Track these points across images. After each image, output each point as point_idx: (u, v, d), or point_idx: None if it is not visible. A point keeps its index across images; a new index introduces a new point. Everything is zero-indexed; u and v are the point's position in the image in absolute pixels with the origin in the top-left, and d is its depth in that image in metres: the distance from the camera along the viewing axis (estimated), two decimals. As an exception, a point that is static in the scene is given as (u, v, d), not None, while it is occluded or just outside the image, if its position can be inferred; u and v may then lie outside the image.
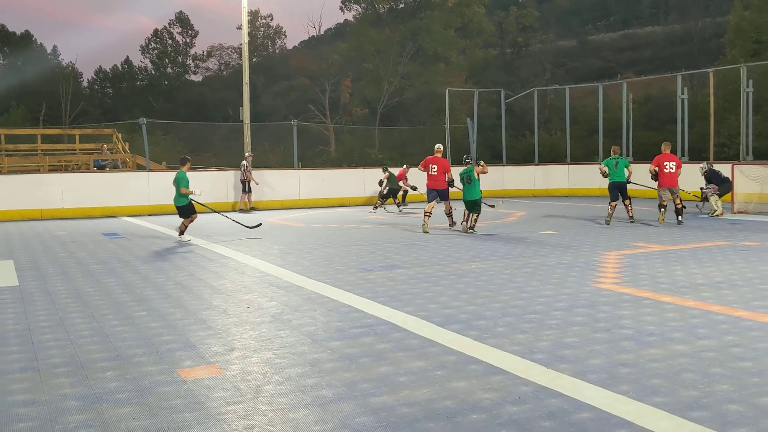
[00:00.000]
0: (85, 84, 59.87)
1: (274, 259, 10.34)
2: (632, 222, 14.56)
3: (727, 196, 16.31)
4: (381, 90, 41.20)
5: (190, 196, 12.61)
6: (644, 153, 24.37)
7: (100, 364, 5.18)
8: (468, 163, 13.56)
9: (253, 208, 20.23)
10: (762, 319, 6.12)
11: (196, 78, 64.68)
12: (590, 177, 24.32)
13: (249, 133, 24.34)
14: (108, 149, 25.65)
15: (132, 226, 16.20)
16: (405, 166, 20.48)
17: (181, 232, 12.82)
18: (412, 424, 3.89)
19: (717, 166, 16.49)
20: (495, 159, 27.41)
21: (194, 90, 59.02)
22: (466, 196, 13.30)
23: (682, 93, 21.73)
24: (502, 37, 48.89)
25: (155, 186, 19.53)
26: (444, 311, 6.68)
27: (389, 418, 3.98)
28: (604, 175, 14.63)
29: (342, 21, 70.72)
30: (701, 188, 16.47)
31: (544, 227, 14.20)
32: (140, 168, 23.63)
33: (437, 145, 14.40)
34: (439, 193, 13.99)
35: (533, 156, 26.49)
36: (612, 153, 15.00)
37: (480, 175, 13.28)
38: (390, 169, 20.16)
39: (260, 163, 27.09)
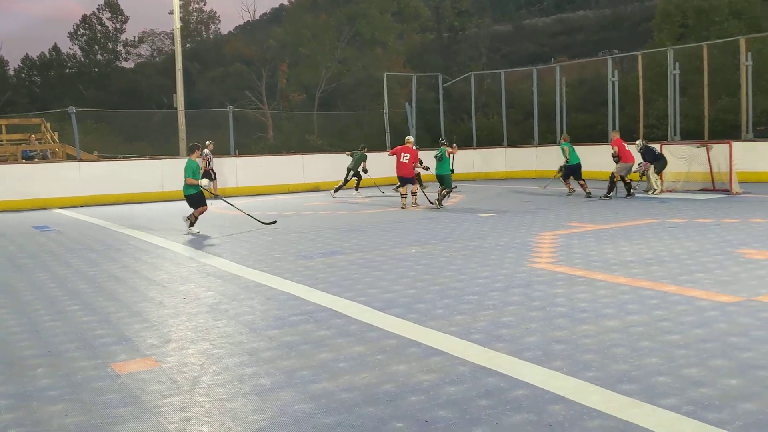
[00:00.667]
0: (11, 73, 57.49)
1: (211, 249, 10.19)
2: (589, 197, 15.97)
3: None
4: (318, 75, 40.91)
5: (203, 185, 12.26)
6: (578, 135, 24.96)
7: (30, 361, 5.01)
8: (442, 143, 15.66)
9: (217, 196, 19.96)
10: (688, 294, 6.36)
11: (128, 65, 62.81)
12: (527, 160, 24.78)
13: (184, 120, 23.82)
14: (36, 139, 24.72)
15: (63, 218, 15.68)
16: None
17: (192, 224, 12.12)
18: (352, 409, 3.90)
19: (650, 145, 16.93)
20: (435, 144, 27.59)
21: (126, 77, 57.31)
22: (438, 171, 15.14)
23: (613, 76, 22.30)
24: (439, 22, 49.07)
25: (87, 176, 18.93)
26: (384, 296, 6.71)
27: (329, 404, 3.98)
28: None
29: (277, 5, 69.84)
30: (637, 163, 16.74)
31: (482, 210, 14.40)
32: (70, 158, 22.86)
33: (408, 137, 16.22)
34: (407, 180, 15.52)
35: (471, 140, 26.78)
36: (563, 140, 16.86)
37: (451, 154, 15.33)
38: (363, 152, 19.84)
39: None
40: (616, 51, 33.00)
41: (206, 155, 19.91)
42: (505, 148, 25.79)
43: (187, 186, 12.08)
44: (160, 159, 21.09)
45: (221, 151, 23.87)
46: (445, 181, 15.09)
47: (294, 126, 38.67)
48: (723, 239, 9.27)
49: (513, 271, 7.66)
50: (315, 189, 21.78)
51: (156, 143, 32.82)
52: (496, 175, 25.14)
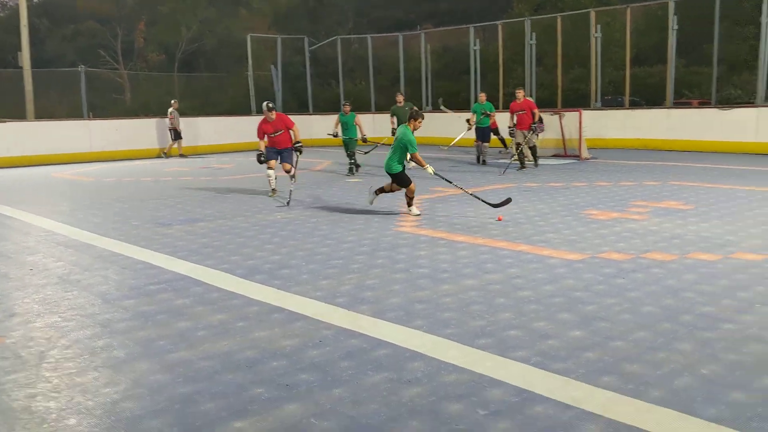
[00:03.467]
0: None
1: (63, 218, 9.56)
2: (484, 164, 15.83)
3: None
4: (179, 35, 39.09)
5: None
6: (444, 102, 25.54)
7: None
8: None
9: (182, 155, 20.60)
10: (540, 252, 6.71)
11: (-34, 19, 56.97)
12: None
13: (30, 80, 22.03)
14: None
15: None
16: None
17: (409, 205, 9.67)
18: (211, 377, 3.82)
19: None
20: (301, 108, 27.29)
21: (-37, 32, 51.97)
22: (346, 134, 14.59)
23: (475, 44, 22.94)
24: (306, -16, 48.13)
25: None
26: (247, 263, 6.59)
27: (186, 373, 3.87)
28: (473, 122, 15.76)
29: (134, -41, 65.53)
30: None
31: (354, 175, 14.43)
32: None
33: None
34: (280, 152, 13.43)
35: (339, 105, 26.71)
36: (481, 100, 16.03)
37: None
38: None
39: (46, 114, 24.71)
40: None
41: (171, 113, 20.37)
42: (373, 114, 25.95)
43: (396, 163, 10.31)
44: (5, 122, 19.44)
45: (74, 114, 22.40)
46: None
47: (153, 88, 36.82)
48: (571, 201, 9.85)
49: (379, 236, 7.76)
50: (178, 155, 20.92)
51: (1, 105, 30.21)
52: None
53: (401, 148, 8.99)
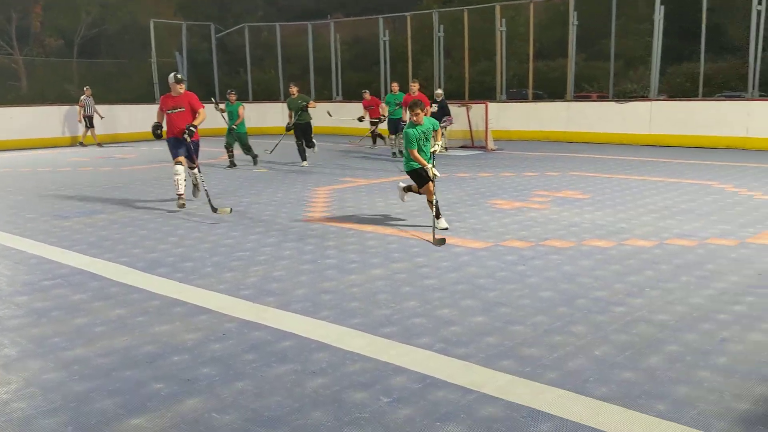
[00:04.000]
0: None
1: (-52, 210, 8.98)
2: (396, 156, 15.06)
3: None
4: (78, 19, 37.32)
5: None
6: (353, 93, 25.56)
7: None
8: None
9: (99, 144, 19.88)
10: (446, 241, 6.83)
11: None
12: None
13: None
14: None
15: None
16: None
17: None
18: (109, 374, 3.69)
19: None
20: (209, 96, 26.64)
21: None
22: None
23: (384, 36, 23.04)
24: (213, -30, 46.94)
25: None
26: (149, 256, 6.39)
27: (83, 371, 3.73)
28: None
29: (27, -63, 62.05)
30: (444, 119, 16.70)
31: (257, 165, 14.24)
32: None
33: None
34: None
35: (247, 94, 26.27)
36: (393, 90, 15.80)
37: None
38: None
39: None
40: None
41: (82, 101, 19.79)
42: (282, 103, 25.65)
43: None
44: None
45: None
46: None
47: (51, 74, 35.05)
48: (477, 191, 10.09)
49: (286, 227, 7.70)
50: (96, 144, 20.02)
51: None
52: (272, 130, 24.95)
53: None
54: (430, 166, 7.50)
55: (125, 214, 8.53)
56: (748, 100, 16.01)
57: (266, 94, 28.00)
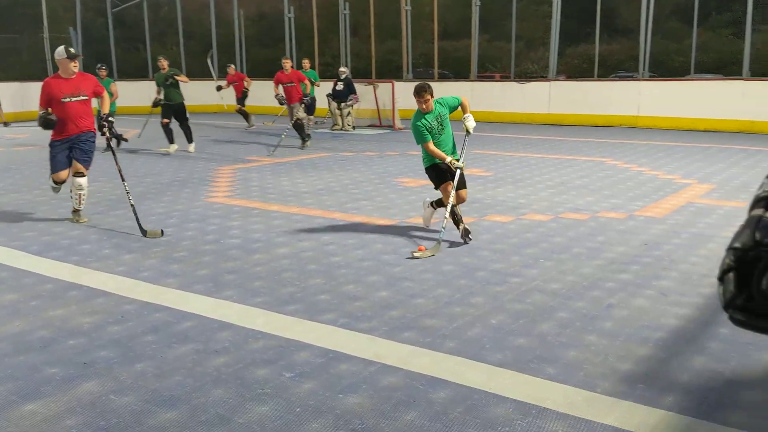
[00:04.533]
0: None
1: None
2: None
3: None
4: (-39, -11, 34.81)
5: None
6: (260, 70, 25.11)
7: None
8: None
9: (5, 123, 18.64)
10: (353, 219, 6.90)
11: None
12: (208, 93, 24.25)
13: None
14: None
15: None
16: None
17: None
18: (1, 360, 3.54)
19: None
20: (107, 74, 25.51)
21: None
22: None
23: (289, 12, 22.73)
24: (108, -60, 44.77)
25: None
26: (43, 239, 6.13)
27: (-31, 360, 3.56)
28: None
29: None
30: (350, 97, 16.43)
31: (160, 144, 13.81)
32: None
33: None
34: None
35: (147, 71, 25.36)
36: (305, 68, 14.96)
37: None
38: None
39: None
40: None
41: None
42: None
43: None
44: None
45: None
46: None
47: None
48: (385, 170, 10.19)
49: (189, 207, 7.54)
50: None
51: None
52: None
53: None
54: (450, 158, 6.06)
55: (18, 197, 8.12)
56: (638, 80, 16.84)
57: (168, 71, 27.06)
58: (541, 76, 21.45)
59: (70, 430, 2.87)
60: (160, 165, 10.87)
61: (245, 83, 16.95)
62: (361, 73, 21.75)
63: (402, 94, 18.43)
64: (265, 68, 21.75)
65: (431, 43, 21.48)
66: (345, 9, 21.47)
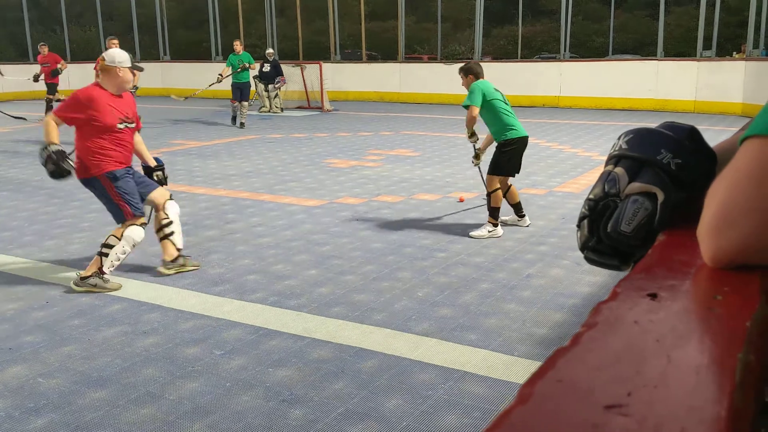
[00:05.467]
0: None
1: None
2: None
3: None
4: None
5: None
6: (183, 52, 24.56)
7: None
8: None
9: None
10: (281, 201, 6.93)
11: None
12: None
13: None
14: None
15: None
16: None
17: None
18: None
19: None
20: (22, 57, 24.51)
21: None
22: None
23: (213, -8, 22.29)
24: None
25: None
26: (-41, 226, 5.93)
27: None
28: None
29: None
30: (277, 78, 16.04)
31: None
32: None
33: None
34: None
35: (65, 53, 24.41)
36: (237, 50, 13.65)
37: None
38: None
39: None
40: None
41: None
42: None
43: None
44: None
45: None
46: None
47: None
48: (313, 151, 10.22)
49: (113, 191, 7.40)
50: None
51: None
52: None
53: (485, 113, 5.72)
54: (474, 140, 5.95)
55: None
56: (560, 61, 17.33)
57: (85, 54, 26.18)
58: (468, 57, 21.77)
59: (-4, 415, 2.86)
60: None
61: (59, 66, 14.62)
62: (289, 54, 21.59)
63: (330, 75, 18.42)
64: (188, 51, 21.30)
65: (359, 24, 21.49)
66: (270, -11, 21.21)
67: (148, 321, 3.83)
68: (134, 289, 4.37)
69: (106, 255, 4.31)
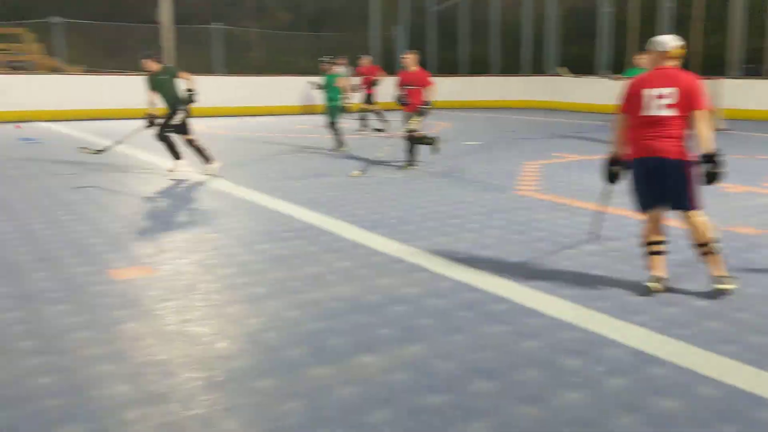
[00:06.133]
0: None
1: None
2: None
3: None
4: (307, -5, 39.83)
5: None
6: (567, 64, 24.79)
7: (28, 265, 5.18)
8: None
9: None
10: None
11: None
12: (513, 89, 24.66)
13: (171, 36, 23.27)
14: (19, 50, 24.16)
15: (48, 132, 15.59)
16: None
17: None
18: (340, 316, 4.14)
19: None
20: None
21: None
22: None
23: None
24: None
25: (71, 89, 18.73)
26: (372, 217, 6.89)
27: (318, 312, 4.21)
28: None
29: None
30: None
31: (468, 138, 14.50)
32: (55, 71, 22.41)
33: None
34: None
35: (459, 67, 26.59)
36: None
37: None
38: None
39: (182, 69, 26.12)
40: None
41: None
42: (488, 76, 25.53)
43: None
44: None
45: (209, 70, 23.59)
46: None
47: (279, 46, 37.89)
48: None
49: (496, 197, 7.87)
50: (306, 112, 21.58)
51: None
52: (483, 104, 25.06)
53: None
54: None
55: (349, 178, 9.20)
56: None
57: (479, 67, 28.06)
58: None
59: (397, 383, 3.26)
60: (469, 157, 11.40)
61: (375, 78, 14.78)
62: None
63: (725, 91, 16.87)
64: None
65: (761, 38, 19.23)
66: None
67: (529, 324, 3.99)
68: (517, 292, 4.57)
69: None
